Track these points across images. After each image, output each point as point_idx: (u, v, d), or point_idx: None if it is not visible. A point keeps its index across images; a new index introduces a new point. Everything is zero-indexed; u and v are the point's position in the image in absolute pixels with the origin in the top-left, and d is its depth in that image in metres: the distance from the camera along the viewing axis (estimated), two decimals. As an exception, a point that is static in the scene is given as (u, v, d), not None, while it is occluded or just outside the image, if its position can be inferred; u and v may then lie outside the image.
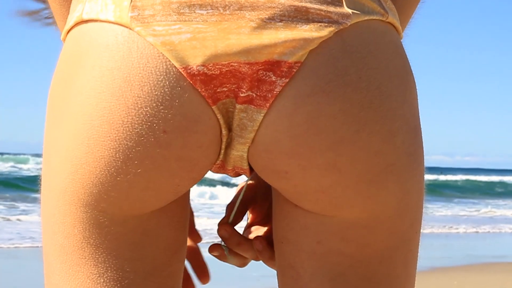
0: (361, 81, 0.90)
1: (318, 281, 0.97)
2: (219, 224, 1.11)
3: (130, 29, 0.89)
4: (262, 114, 0.89)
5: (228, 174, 0.99)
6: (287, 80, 0.88)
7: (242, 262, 1.13)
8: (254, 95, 0.89)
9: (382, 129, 0.91)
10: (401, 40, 0.99)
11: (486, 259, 7.14)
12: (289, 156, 0.90)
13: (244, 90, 0.89)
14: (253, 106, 0.89)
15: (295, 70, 0.88)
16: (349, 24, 0.90)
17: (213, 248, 1.10)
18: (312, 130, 0.89)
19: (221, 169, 0.96)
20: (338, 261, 0.96)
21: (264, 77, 0.88)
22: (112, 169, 0.89)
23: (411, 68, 0.98)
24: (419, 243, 1.01)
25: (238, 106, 0.90)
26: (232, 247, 1.10)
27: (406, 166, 0.93)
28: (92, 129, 0.89)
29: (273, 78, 0.88)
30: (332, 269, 0.96)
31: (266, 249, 1.08)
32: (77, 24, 0.94)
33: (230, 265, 1.13)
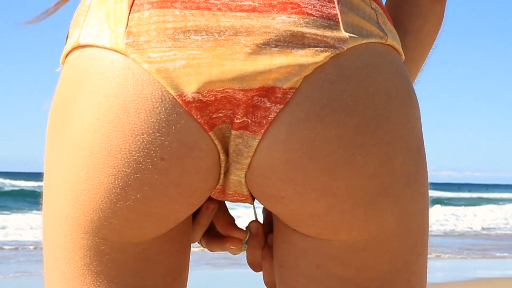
0: (357, 105, 0.89)
1: None
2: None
3: (125, 55, 0.89)
4: (257, 140, 0.89)
5: (229, 200, 0.99)
6: (282, 106, 0.88)
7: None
8: (249, 121, 0.89)
9: (378, 152, 0.90)
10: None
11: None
12: (284, 181, 0.90)
13: (239, 116, 0.89)
14: (248, 132, 0.89)
15: (289, 96, 0.88)
16: (345, 49, 0.90)
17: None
18: (307, 155, 0.88)
19: (221, 194, 0.96)
20: (338, 285, 0.95)
21: (258, 103, 0.88)
22: (112, 196, 0.90)
23: (414, 88, 0.97)
24: (426, 264, 1.00)
25: (233, 132, 0.90)
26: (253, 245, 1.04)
27: (404, 188, 0.93)
28: (91, 156, 0.90)
29: (268, 104, 0.88)
30: None
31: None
32: (74, 48, 0.94)
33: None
